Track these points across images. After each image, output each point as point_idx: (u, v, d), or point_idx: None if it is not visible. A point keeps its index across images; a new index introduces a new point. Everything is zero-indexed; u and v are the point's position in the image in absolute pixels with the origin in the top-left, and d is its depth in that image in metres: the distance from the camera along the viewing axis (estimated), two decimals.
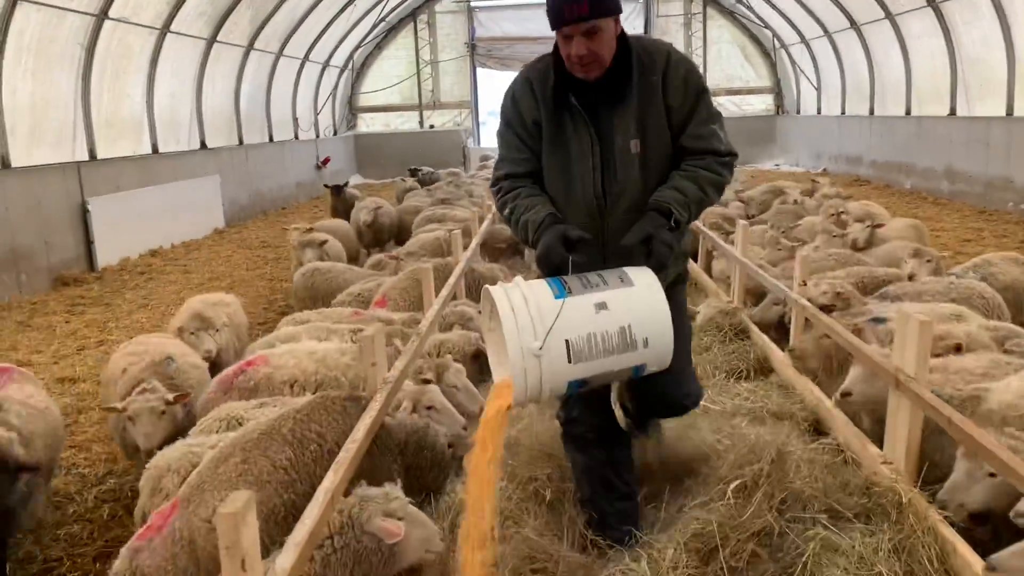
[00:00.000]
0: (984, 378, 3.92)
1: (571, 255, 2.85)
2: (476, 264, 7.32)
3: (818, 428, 4.59)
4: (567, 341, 2.57)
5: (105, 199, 12.52)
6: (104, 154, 13.14)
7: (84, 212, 12.03)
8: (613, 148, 3.07)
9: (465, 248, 7.28)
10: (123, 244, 12.94)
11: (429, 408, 4.04)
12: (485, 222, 8.91)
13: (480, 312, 3.23)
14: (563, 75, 2.99)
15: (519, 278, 2.78)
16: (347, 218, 12.41)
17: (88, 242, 12.12)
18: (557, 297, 2.62)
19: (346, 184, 14.79)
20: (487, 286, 2.77)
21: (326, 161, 23.55)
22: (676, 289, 3.33)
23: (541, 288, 2.68)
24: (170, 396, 4.48)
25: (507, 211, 3.15)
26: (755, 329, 6.20)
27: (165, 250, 13.88)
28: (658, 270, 2.84)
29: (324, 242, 8.74)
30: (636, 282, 2.75)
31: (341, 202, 14.16)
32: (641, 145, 3.06)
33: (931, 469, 3.60)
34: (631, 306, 2.68)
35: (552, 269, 2.90)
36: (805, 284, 5.28)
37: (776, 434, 3.95)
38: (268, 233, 15.73)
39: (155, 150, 14.92)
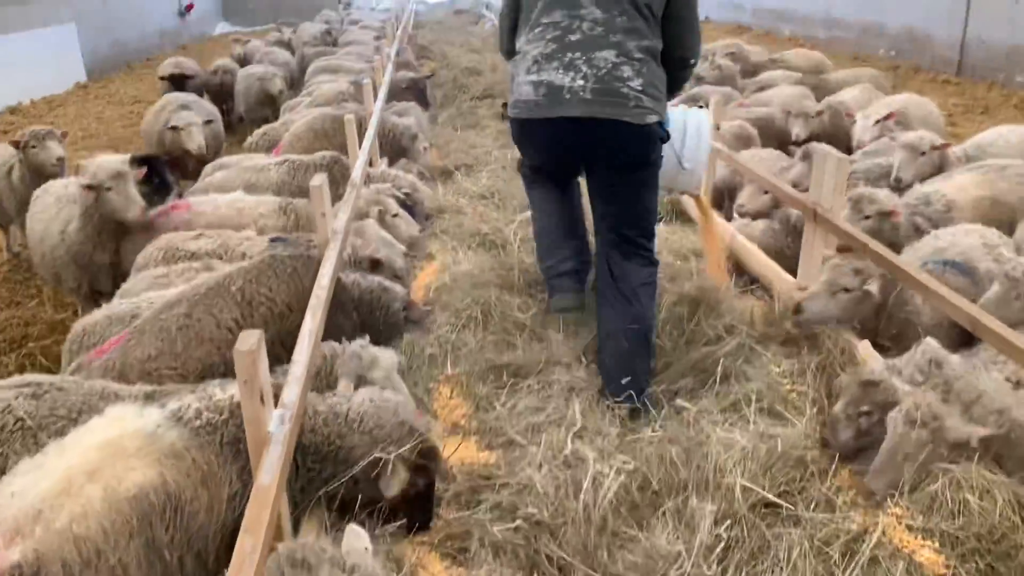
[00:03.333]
0: None
1: None
2: (386, 116, 7.16)
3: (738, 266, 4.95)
4: None
5: None
6: None
7: None
8: None
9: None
10: None
11: (395, 216, 4.43)
12: (387, 72, 8.63)
13: None
14: None
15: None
16: None
17: None
18: None
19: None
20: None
21: (189, 7, 21.78)
22: None
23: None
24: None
25: None
26: None
27: (25, 107, 12.78)
28: None
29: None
30: None
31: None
32: None
33: None
34: None
35: None
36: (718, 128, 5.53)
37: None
38: (138, 88, 14.66)
39: None
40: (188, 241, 4.36)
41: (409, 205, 5.70)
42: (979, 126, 9.28)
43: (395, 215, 4.91)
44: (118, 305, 3.82)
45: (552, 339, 3.90)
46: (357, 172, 4.70)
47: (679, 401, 3.47)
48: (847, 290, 3.60)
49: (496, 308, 4.12)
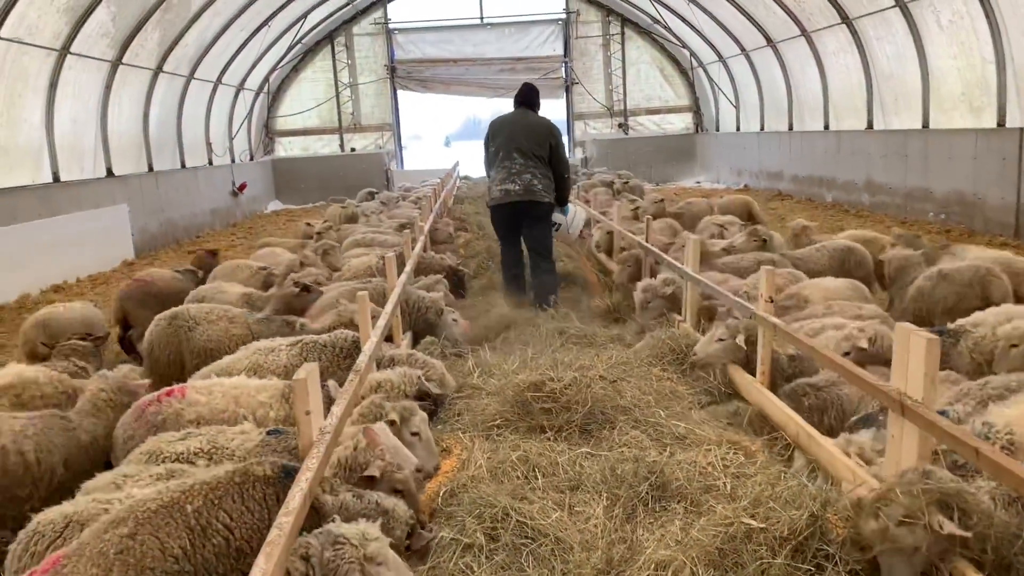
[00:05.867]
0: None
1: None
2: (411, 290, 6.82)
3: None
4: None
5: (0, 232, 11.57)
6: None
7: None
8: None
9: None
10: (21, 280, 11.93)
11: (414, 435, 3.60)
12: (418, 245, 8.42)
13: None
14: None
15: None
16: None
17: None
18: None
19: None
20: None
21: (243, 187, 22.65)
22: None
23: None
24: None
25: None
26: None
27: (70, 284, 12.89)
28: None
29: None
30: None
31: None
32: None
33: None
34: None
35: None
36: (772, 301, 4.95)
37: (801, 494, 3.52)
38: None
39: (56, 178, 13.93)
40: (175, 443, 3.83)
41: (432, 404, 5.10)
42: None
43: (414, 433, 4.01)
44: (83, 503, 3.31)
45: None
46: (364, 357, 4.21)
47: None
48: (917, 548, 2.87)
49: (508, 521, 3.46)
